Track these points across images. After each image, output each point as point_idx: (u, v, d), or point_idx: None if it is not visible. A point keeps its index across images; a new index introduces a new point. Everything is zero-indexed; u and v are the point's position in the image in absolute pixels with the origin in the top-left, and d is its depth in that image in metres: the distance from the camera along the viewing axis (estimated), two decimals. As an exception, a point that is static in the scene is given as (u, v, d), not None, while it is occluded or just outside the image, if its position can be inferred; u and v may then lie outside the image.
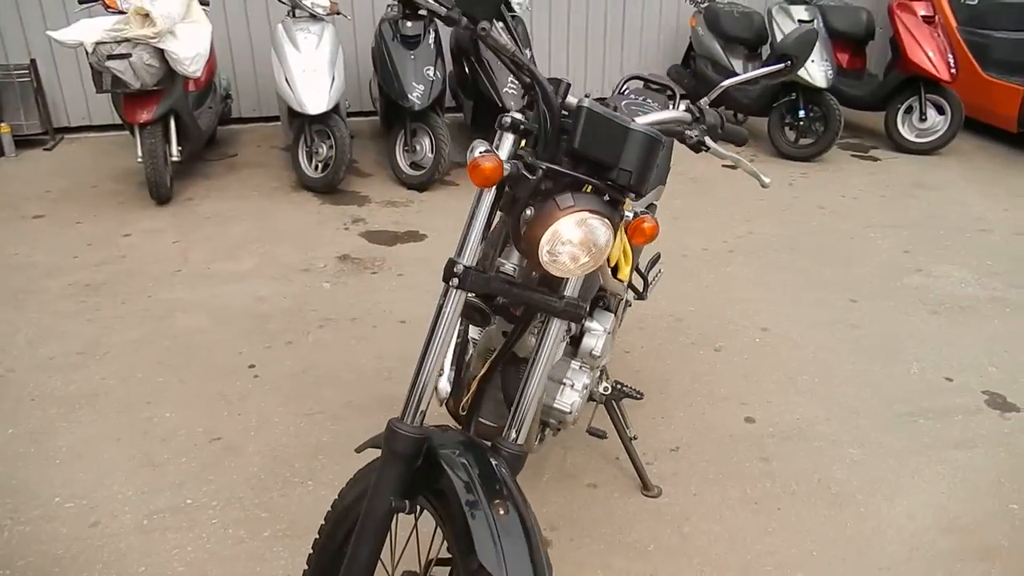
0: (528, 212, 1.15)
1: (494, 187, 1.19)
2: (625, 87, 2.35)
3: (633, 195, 1.18)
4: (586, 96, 1.14)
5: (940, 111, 5.13)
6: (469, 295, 1.40)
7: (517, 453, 1.27)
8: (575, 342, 1.73)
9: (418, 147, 4.52)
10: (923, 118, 5.15)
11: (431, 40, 4.51)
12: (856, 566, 1.96)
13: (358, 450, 1.43)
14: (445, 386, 1.71)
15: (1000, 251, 3.80)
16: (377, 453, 1.40)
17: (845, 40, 5.44)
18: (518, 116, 1.19)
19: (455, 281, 1.20)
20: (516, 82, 4.40)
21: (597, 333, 1.70)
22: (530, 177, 1.14)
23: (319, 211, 4.26)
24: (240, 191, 4.51)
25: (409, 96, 4.31)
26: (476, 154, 1.14)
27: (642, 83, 2.35)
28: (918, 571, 1.94)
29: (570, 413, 1.76)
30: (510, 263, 1.26)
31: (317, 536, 1.52)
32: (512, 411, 1.30)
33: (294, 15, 4.51)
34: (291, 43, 4.33)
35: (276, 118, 5.68)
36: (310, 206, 4.32)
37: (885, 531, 2.07)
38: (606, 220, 1.14)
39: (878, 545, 2.02)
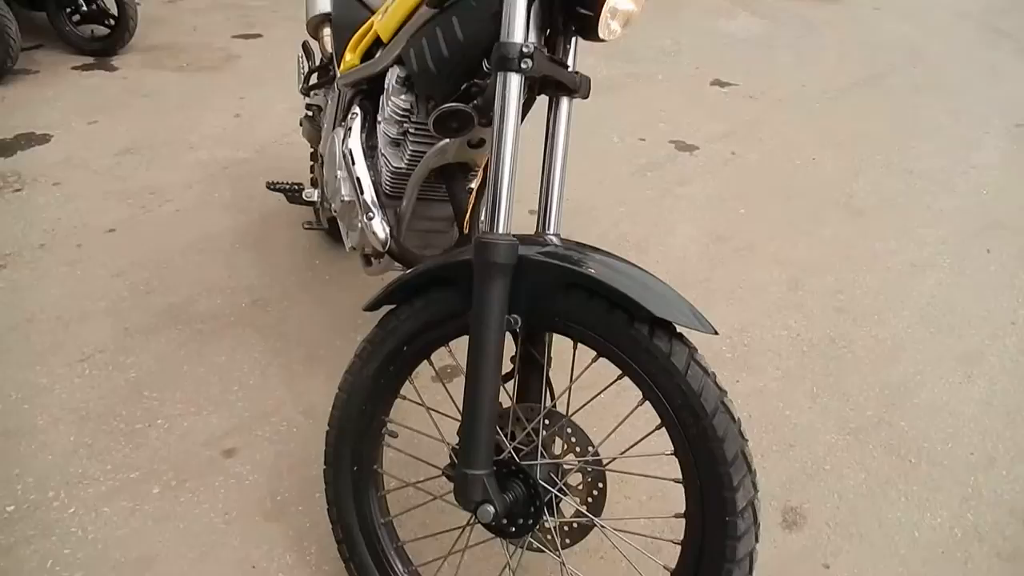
0: None
1: None
2: None
3: None
4: None
5: None
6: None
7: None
8: None
9: (-31, 31, 3.38)
10: None
11: None
12: (688, 284, 2.34)
13: (369, 308, 1.21)
14: (382, 228, 1.50)
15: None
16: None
17: None
18: None
19: (527, 63, 1.08)
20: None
21: None
22: None
23: None
24: None
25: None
26: None
27: None
28: (722, 273, 2.42)
29: None
30: (530, 43, 1.15)
31: (325, 460, 1.30)
32: (543, 204, 1.22)
33: None
34: None
35: None
36: None
37: (683, 255, 2.50)
38: None
39: (685, 265, 2.45)
